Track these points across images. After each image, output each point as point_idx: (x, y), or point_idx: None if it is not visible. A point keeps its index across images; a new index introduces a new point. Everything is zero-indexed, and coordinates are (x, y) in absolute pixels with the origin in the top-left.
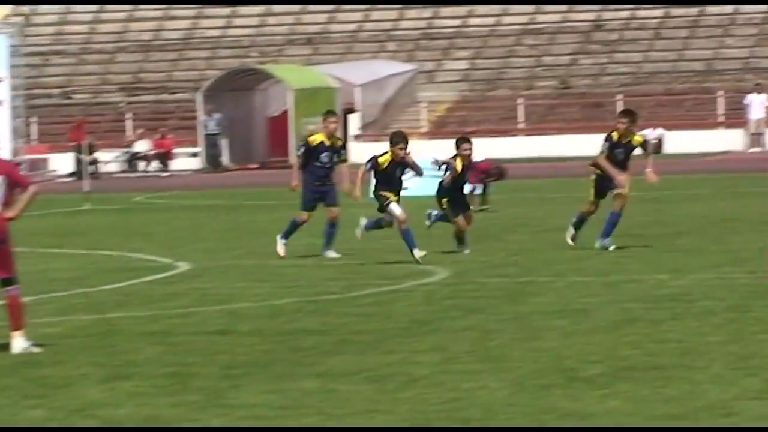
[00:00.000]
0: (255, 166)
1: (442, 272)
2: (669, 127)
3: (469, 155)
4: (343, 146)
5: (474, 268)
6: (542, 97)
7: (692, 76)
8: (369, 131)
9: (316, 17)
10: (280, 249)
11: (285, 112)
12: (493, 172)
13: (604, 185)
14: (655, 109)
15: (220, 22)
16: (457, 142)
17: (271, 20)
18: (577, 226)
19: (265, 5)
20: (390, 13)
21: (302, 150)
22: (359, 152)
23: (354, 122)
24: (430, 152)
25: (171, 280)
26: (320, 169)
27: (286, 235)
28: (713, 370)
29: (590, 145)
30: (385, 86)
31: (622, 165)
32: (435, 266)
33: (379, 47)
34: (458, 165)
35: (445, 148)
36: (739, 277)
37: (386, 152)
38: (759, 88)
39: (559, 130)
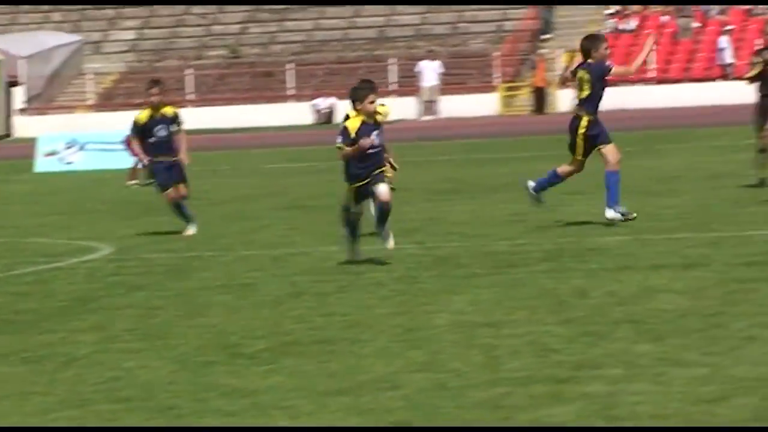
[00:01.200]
0: None
1: (105, 248)
2: (341, 96)
3: None
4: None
5: (139, 244)
6: (212, 67)
7: (364, 44)
8: (34, 104)
9: None
10: None
11: None
12: None
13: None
14: (327, 78)
15: None
16: None
17: None
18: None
19: None
20: None
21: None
22: (24, 126)
23: (18, 95)
24: (97, 125)
25: None
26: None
27: None
28: (379, 343)
29: (260, 115)
30: (51, 58)
31: None
32: (98, 242)
33: (44, 18)
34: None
35: (114, 121)
36: (408, 248)
37: (351, 115)
38: (431, 55)
39: (229, 101)
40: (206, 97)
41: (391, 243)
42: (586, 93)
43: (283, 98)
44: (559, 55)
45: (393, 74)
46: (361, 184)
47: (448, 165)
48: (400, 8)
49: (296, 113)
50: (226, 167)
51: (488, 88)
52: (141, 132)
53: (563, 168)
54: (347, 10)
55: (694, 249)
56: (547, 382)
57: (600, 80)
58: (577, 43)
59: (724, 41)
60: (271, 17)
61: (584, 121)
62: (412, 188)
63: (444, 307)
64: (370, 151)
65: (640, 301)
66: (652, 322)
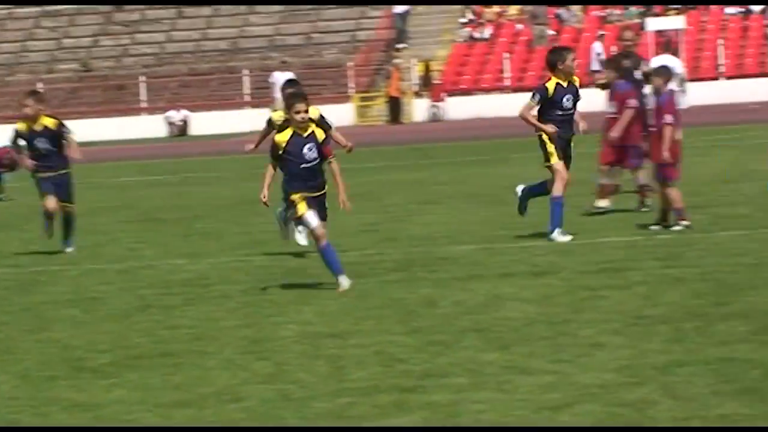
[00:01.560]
0: None
1: None
2: (194, 108)
3: None
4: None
5: None
6: (63, 81)
7: (217, 56)
8: None
9: None
10: None
11: None
12: (6, 161)
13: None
14: (180, 90)
15: None
16: None
17: None
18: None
19: None
20: None
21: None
22: None
23: None
24: None
25: None
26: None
27: None
28: (224, 355)
29: (113, 129)
30: None
31: None
32: None
33: None
34: None
35: None
36: (257, 260)
37: (284, 125)
38: (285, 66)
39: (82, 114)
40: (58, 111)
41: (344, 284)
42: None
43: (136, 111)
44: (414, 64)
45: (246, 86)
46: (308, 195)
47: None
48: (253, 19)
49: (149, 126)
50: (76, 181)
51: (343, 98)
52: (20, 143)
53: None
54: (200, 21)
55: (544, 257)
56: (392, 391)
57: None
58: (431, 52)
59: (598, 47)
60: (123, 30)
61: None
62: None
63: (291, 318)
64: (305, 166)
65: (487, 310)
66: (499, 330)
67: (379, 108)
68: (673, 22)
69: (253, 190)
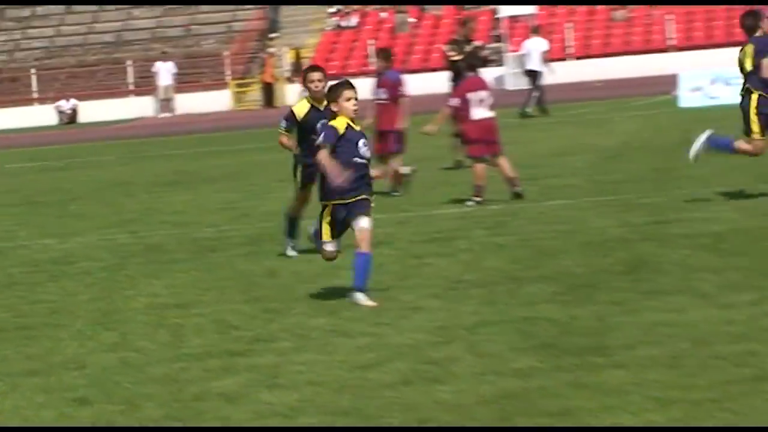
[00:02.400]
0: None
1: None
2: (82, 98)
3: None
4: None
5: None
6: None
7: (103, 48)
8: None
9: None
10: None
11: None
12: None
13: None
14: (69, 80)
15: None
16: None
17: None
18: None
19: None
20: None
21: None
22: None
23: None
24: None
25: None
26: None
27: None
28: (76, 327)
29: (7, 119)
30: None
31: None
32: None
33: None
34: None
35: None
36: (121, 238)
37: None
38: (165, 57)
39: None
40: None
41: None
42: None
43: (29, 101)
44: (286, 52)
45: (131, 75)
46: (340, 202)
47: (178, 159)
48: (136, 12)
49: (41, 115)
50: None
51: (221, 85)
52: None
53: (740, 144)
54: (86, 16)
55: (382, 229)
56: (223, 356)
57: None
58: (301, 41)
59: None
60: (15, 25)
61: (755, 96)
62: (137, 182)
63: (142, 291)
64: (358, 161)
65: (322, 280)
66: (329, 298)
67: (254, 93)
68: (525, 8)
69: (130, 172)
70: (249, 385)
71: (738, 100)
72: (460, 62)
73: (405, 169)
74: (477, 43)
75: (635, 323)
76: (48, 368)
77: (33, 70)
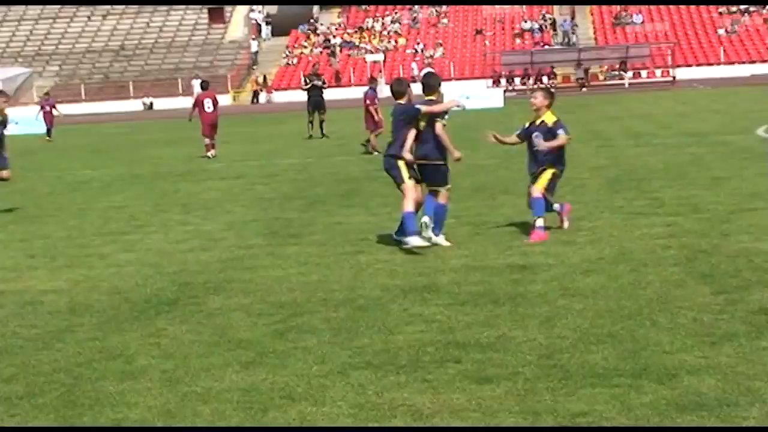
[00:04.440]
0: None
1: None
2: (156, 96)
3: None
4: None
5: None
6: None
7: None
8: None
9: None
10: None
11: None
12: None
13: None
14: (142, 83)
15: None
16: None
17: None
18: None
19: None
20: None
21: None
22: None
23: None
24: None
25: None
26: None
27: None
28: None
29: (112, 107)
30: None
31: None
32: None
33: None
34: None
35: None
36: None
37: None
38: (198, 76)
39: None
40: None
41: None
42: None
43: (126, 98)
44: (260, 75)
45: (180, 87)
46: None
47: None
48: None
49: (132, 106)
50: None
51: (225, 91)
52: None
53: None
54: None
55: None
56: None
57: None
58: (268, 70)
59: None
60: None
61: None
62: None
63: None
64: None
65: None
66: None
67: (246, 96)
68: (376, 56)
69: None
70: None
71: None
72: None
73: None
74: None
75: None
76: None
77: (131, 82)
